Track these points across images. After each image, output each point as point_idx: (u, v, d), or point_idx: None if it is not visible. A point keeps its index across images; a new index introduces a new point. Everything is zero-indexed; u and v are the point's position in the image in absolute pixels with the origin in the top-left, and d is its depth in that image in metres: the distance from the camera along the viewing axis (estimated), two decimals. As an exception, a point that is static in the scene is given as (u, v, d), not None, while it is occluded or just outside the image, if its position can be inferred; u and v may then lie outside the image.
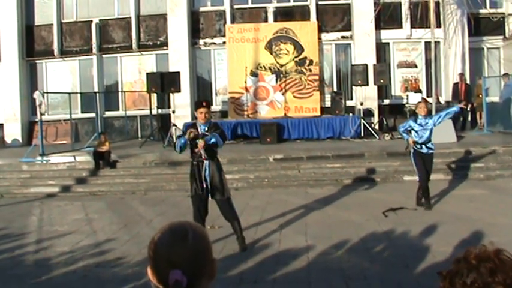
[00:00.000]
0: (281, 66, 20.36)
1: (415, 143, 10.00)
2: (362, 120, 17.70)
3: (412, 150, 10.20)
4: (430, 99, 17.89)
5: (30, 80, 21.63)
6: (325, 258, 7.16)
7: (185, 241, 1.72)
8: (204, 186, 7.75)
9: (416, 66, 20.81)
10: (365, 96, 18.50)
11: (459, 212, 9.52)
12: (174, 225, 1.80)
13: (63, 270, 7.10)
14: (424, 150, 10.05)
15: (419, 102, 10.79)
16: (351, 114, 18.36)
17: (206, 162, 7.79)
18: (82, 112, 20.97)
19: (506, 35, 20.76)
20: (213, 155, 7.87)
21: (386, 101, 20.61)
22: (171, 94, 18.32)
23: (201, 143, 7.59)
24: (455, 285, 1.61)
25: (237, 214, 8.02)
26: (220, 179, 7.86)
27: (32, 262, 7.59)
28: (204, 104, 7.87)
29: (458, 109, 10.55)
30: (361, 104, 18.37)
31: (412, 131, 10.07)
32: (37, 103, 15.46)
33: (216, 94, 21.08)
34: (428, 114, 10.46)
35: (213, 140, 7.59)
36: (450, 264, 1.68)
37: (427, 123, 9.98)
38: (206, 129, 7.72)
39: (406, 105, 18.38)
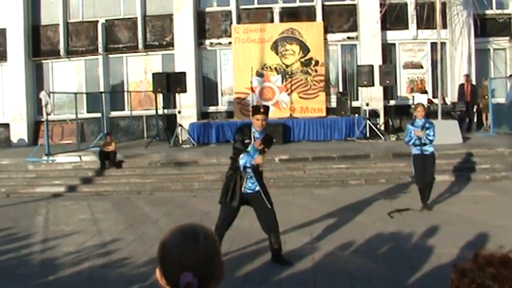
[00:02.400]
0: (287, 66, 20.33)
1: (419, 132, 9.84)
2: (368, 121, 17.68)
3: (412, 153, 10.14)
4: (435, 100, 17.90)
5: (36, 79, 21.66)
6: (330, 259, 7.16)
7: (196, 244, 1.73)
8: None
9: (422, 67, 20.75)
10: (371, 97, 18.45)
11: (464, 213, 9.51)
12: (184, 227, 1.81)
13: (69, 271, 7.12)
14: (425, 151, 9.94)
15: (417, 104, 10.76)
16: (356, 115, 18.34)
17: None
18: (88, 112, 21.01)
19: (513, 36, 20.71)
20: None
21: (392, 102, 20.56)
22: (176, 94, 18.32)
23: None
24: (464, 281, 1.61)
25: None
26: None
27: (37, 262, 7.62)
28: (262, 110, 7.19)
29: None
30: (367, 104, 18.33)
31: (412, 134, 9.97)
32: (43, 103, 15.50)
33: (222, 94, 21.06)
34: (427, 116, 10.39)
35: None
36: (457, 264, 1.68)
37: (428, 128, 9.88)
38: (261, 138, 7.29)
39: (412, 106, 18.27)
